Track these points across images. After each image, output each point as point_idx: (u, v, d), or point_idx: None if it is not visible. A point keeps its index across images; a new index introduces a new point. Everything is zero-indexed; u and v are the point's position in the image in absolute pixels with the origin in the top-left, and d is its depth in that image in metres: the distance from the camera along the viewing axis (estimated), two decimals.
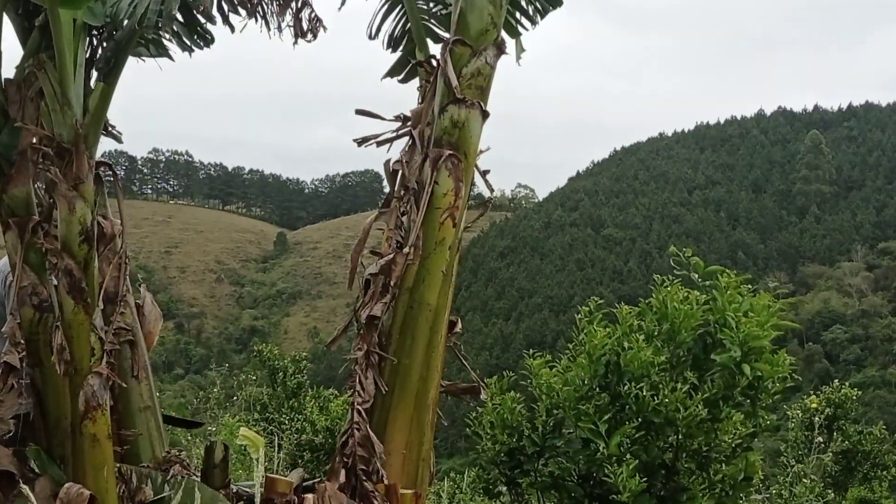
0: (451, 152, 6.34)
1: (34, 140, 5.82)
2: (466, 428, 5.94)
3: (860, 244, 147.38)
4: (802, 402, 17.54)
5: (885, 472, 18.05)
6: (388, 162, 6.63)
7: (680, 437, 4.97)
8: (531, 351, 5.58)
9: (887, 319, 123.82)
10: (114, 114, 6.21)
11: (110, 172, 6.50)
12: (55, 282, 5.78)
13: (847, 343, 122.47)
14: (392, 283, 6.26)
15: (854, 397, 17.95)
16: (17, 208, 5.91)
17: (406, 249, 6.26)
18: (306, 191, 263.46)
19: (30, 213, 5.93)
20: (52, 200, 5.84)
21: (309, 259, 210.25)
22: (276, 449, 14.56)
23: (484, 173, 6.75)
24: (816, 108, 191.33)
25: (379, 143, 6.83)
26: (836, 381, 19.06)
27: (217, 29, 6.13)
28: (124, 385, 6.19)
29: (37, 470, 5.90)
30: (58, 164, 5.74)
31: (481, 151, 6.60)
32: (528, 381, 5.53)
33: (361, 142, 6.81)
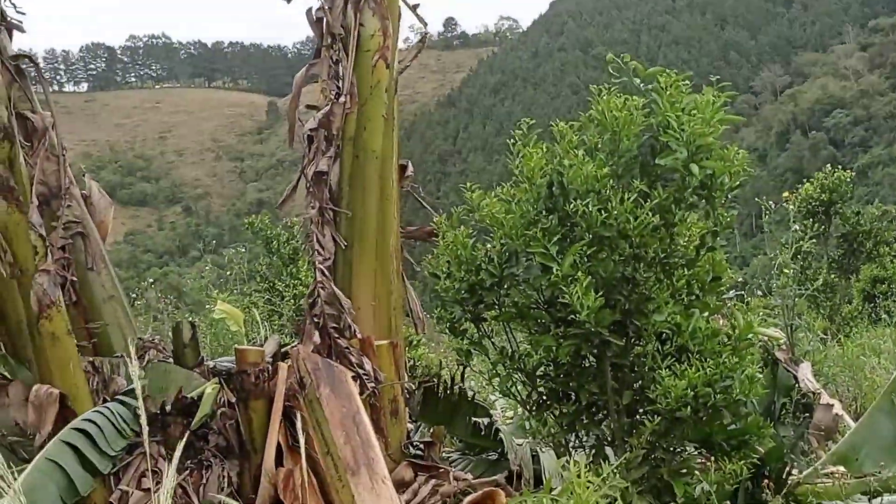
0: None
1: None
2: (424, 271, 5.81)
3: (850, 25, 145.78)
4: (796, 192, 17.46)
5: (888, 248, 18.06)
6: (309, 10, 6.33)
7: (635, 247, 4.82)
8: (468, 184, 5.38)
9: (888, 97, 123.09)
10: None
11: (32, 64, 6.24)
12: None
13: (850, 126, 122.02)
14: (334, 135, 6.06)
15: (848, 179, 17.83)
16: None
17: (342, 98, 6.03)
18: (289, 55, 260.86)
19: None
20: None
21: None
22: (279, 317, 14.59)
23: (413, 7, 6.46)
24: None
25: None
26: (840, 166, 18.94)
27: None
28: (75, 279, 6.05)
29: (8, 376, 5.83)
30: None
31: None
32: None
33: None
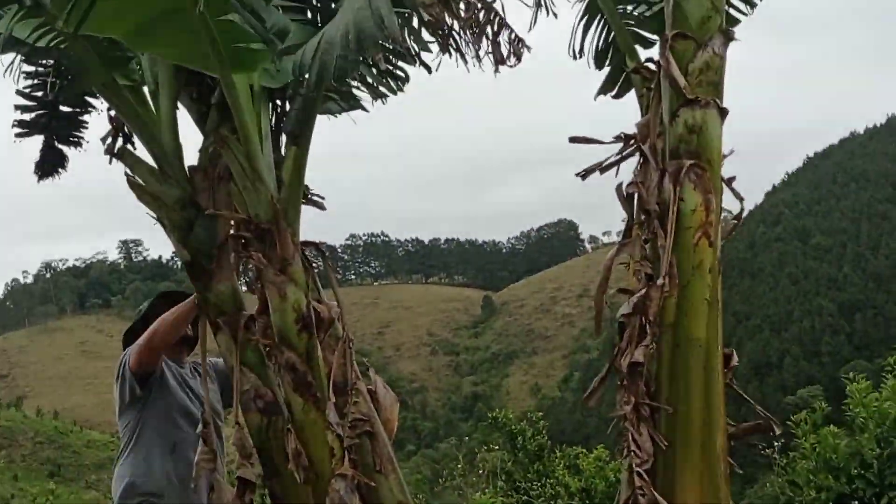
0: (692, 162, 5.47)
1: (231, 227, 5.26)
2: (778, 478, 5.02)
3: None
4: None
5: None
6: (619, 186, 5.79)
7: None
8: (851, 374, 4.63)
9: None
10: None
11: (317, 252, 5.86)
12: (278, 380, 5.17)
13: None
14: (650, 322, 5.42)
15: None
16: (225, 305, 5.36)
17: (660, 280, 5.41)
18: (504, 251, 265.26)
19: (239, 309, 5.37)
20: (261, 289, 5.23)
21: (518, 317, 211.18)
22: None
23: (729, 181, 5.84)
24: None
25: (603, 170, 6.01)
26: None
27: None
28: (372, 483, 5.51)
29: None
30: (259, 248, 5.15)
31: (725, 156, 5.72)
32: (846, 409, 4.58)
33: (584, 174, 6.01)
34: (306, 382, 5.10)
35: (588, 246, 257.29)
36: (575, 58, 6.89)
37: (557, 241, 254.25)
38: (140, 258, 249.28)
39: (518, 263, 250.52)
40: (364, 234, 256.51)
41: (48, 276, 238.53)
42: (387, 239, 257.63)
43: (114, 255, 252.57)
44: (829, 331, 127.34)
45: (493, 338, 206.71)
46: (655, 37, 6.63)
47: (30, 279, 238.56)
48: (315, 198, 5.70)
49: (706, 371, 5.42)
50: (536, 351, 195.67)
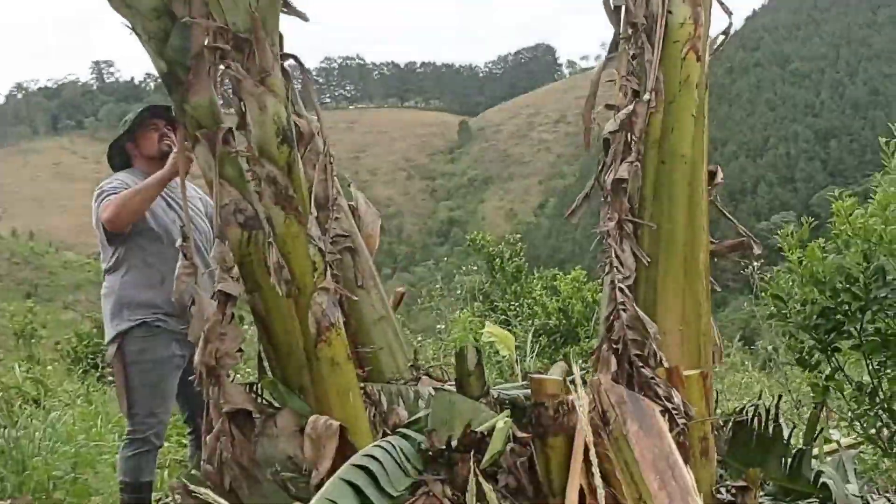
0: None
1: (208, 38, 5.09)
2: (762, 292, 5.02)
3: None
4: None
5: None
6: None
7: None
8: (836, 190, 4.61)
9: None
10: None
11: (297, 65, 5.72)
12: (258, 194, 5.09)
13: None
14: (636, 138, 5.35)
15: None
16: (203, 118, 5.20)
17: (646, 96, 5.32)
18: (480, 75, 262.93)
19: (217, 122, 5.23)
20: (240, 102, 5.11)
21: (494, 142, 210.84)
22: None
23: None
24: None
25: None
26: None
27: None
28: (354, 297, 5.51)
29: (276, 404, 5.29)
30: (238, 58, 5.01)
31: None
32: (831, 225, 4.57)
33: None
34: (287, 196, 5.02)
35: (566, 71, 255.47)
36: None
37: (535, 66, 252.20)
38: (112, 79, 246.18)
39: (495, 88, 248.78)
40: (339, 58, 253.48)
41: (20, 96, 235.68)
42: (362, 62, 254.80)
43: (86, 76, 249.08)
44: (805, 157, 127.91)
45: (469, 163, 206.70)
46: None
47: (1, 100, 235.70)
48: (296, 8, 5.52)
49: (691, 187, 5.38)
50: (512, 176, 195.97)
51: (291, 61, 5.59)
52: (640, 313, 5.23)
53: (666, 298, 5.35)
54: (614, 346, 5.27)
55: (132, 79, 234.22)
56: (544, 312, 13.93)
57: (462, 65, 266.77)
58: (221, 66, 5.10)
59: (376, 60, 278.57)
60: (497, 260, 15.96)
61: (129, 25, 5.28)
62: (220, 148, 5.14)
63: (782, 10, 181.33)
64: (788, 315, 4.71)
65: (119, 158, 6.64)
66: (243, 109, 5.09)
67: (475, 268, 16.65)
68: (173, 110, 5.38)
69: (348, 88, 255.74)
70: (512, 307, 14.60)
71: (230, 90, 5.24)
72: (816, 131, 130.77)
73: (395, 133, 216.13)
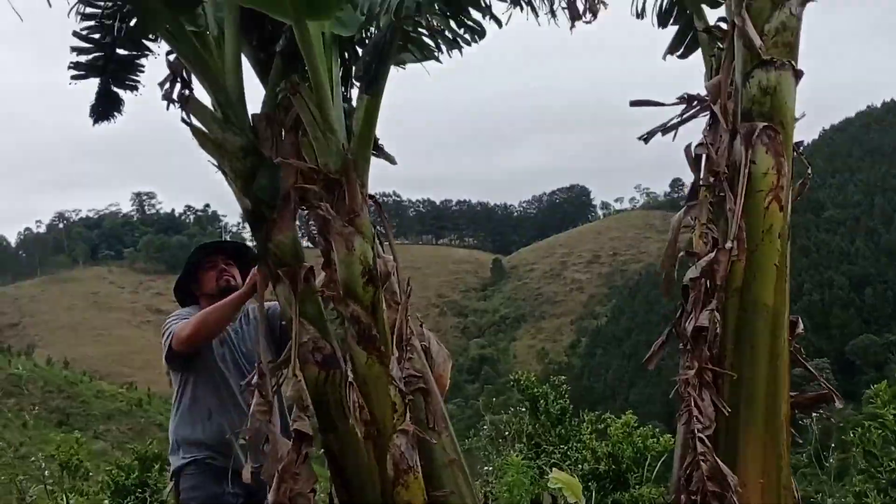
0: (765, 124, 5.37)
1: (296, 178, 5.17)
2: (853, 448, 4.94)
3: None
4: None
5: None
6: (688, 147, 5.69)
7: None
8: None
9: None
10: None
11: (373, 204, 5.77)
12: (341, 333, 5.09)
13: None
14: (717, 286, 5.33)
15: None
16: (285, 256, 5.27)
17: (728, 244, 5.31)
18: (515, 214, 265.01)
19: (299, 261, 5.28)
20: (326, 241, 5.15)
21: (527, 281, 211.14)
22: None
23: (796, 145, 5.73)
24: None
25: (665, 131, 5.90)
26: None
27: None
28: (433, 441, 5.45)
29: None
30: (327, 199, 5.07)
31: (797, 119, 5.60)
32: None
33: (647, 137, 5.92)
34: (371, 336, 5.03)
35: (600, 212, 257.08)
36: (638, 17, 6.76)
37: (569, 207, 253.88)
38: (153, 211, 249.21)
39: (529, 227, 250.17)
40: (375, 193, 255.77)
41: (61, 226, 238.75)
42: (398, 199, 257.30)
43: (127, 207, 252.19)
44: (839, 304, 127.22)
45: (501, 301, 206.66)
46: None
47: (43, 229, 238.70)
48: (386, 151, 5.61)
49: (773, 337, 5.34)
50: (545, 315, 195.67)
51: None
52: (721, 464, 5.14)
53: (746, 450, 5.27)
54: (693, 498, 5.18)
55: (172, 210, 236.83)
56: (593, 457, 13.75)
57: (497, 203, 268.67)
58: (307, 206, 5.15)
59: (413, 197, 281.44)
60: (542, 401, 15.78)
61: (216, 164, 5.37)
62: (302, 286, 5.18)
63: (817, 158, 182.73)
64: (882, 472, 4.61)
65: (188, 299, 6.67)
66: (328, 248, 5.12)
67: (512, 409, 16.50)
68: (248, 288, 5.49)
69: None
70: (558, 449, 14.41)
71: (314, 229, 5.29)
72: (851, 278, 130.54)
73: (428, 269, 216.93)
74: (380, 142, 5.58)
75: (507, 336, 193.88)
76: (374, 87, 5.18)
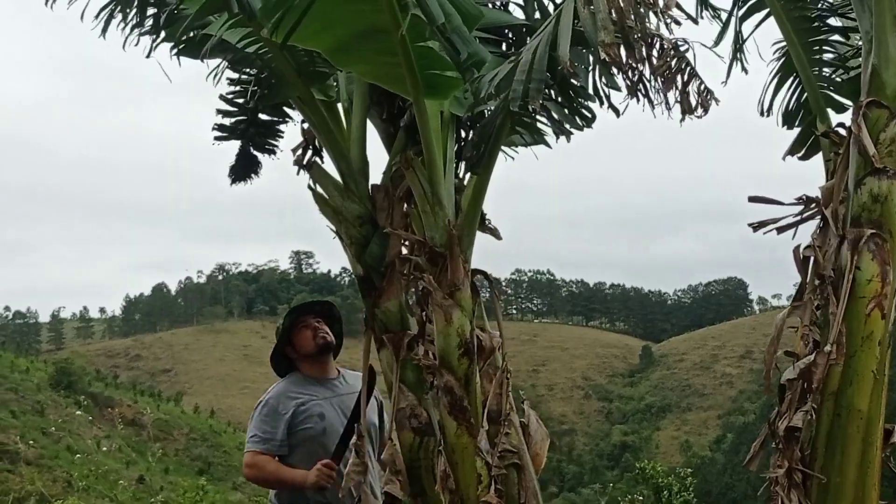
0: (873, 231, 5.39)
1: (404, 248, 5.40)
2: None
3: None
4: None
5: None
6: (797, 248, 5.74)
7: None
8: None
9: None
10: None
11: (485, 281, 5.93)
12: (434, 401, 5.27)
13: None
14: (813, 388, 5.35)
15: None
16: (391, 323, 5.49)
17: (827, 348, 5.34)
18: (669, 302, 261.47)
19: (404, 328, 5.49)
20: (425, 312, 5.35)
21: (676, 371, 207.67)
22: None
23: None
24: None
25: (780, 230, 5.96)
26: None
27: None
28: None
29: None
30: (431, 270, 5.27)
31: None
32: None
33: (757, 226, 5.98)
34: (462, 407, 5.18)
35: (756, 307, 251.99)
36: (762, 115, 6.85)
37: (725, 299, 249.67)
38: (310, 270, 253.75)
39: (682, 317, 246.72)
40: (529, 271, 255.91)
41: (220, 277, 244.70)
42: (552, 278, 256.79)
43: (285, 264, 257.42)
44: None
45: (648, 389, 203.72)
46: (849, 102, 6.54)
47: (203, 279, 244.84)
48: (491, 227, 5.78)
49: (864, 443, 5.33)
50: (691, 407, 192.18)
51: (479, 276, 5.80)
52: None
53: None
54: None
55: (329, 271, 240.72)
56: None
57: (651, 290, 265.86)
58: (413, 276, 5.36)
59: (566, 277, 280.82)
60: (665, 493, 15.64)
61: (334, 229, 5.62)
62: (405, 353, 5.36)
63: None
64: None
65: (284, 364, 6.70)
66: (427, 319, 5.31)
67: (640, 497, 16.37)
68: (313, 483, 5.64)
69: (535, 302, 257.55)
70: None
71: (416, 299, 5.49)
72: None
73: (576, 350, 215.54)
74: (486, 217, 5.74)
75: (650, 425, 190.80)
76: (480, 166, 5.38)
